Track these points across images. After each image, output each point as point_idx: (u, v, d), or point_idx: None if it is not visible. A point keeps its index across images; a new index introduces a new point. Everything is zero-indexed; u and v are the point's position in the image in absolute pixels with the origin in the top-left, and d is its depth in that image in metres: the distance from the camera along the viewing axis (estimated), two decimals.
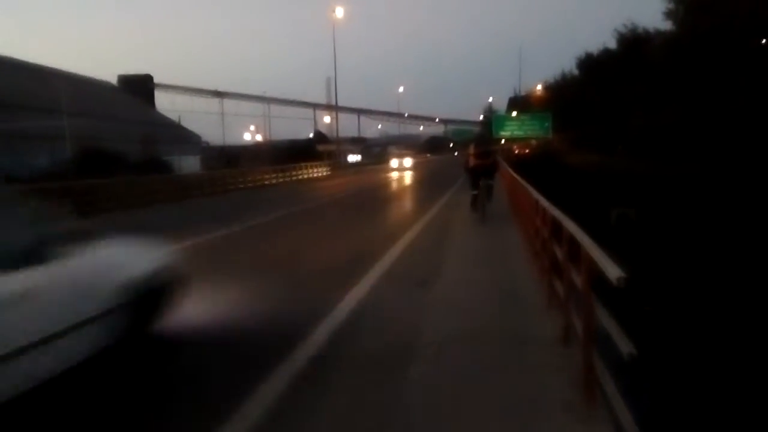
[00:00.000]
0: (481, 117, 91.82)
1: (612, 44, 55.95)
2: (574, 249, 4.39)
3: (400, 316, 6.40)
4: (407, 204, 23.12)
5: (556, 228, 5.70)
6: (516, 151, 62.82)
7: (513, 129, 52.30)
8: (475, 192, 15.18)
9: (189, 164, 56.34)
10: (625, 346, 2.75)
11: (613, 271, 2.85)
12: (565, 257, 4.85)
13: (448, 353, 5.12)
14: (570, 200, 8.38)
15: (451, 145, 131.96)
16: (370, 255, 9.97)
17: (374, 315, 6.49)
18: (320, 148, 67.39)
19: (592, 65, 59.02)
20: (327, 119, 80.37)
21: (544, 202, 6.87)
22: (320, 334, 5.67)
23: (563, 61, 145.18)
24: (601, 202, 22.25)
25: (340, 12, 53.99)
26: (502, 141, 61.82)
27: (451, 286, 7.81)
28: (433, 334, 5.66)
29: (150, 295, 5.44)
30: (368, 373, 4.75)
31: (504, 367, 4.72)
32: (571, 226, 4.63)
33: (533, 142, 60.30)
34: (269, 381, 4.56)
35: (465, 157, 17.32)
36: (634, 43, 50.02)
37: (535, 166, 36.24)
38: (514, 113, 58.62)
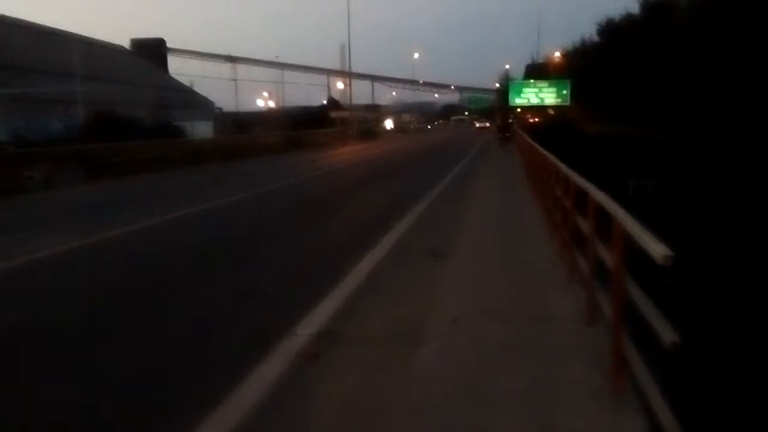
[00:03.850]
0: (497, 85, 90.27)
1: (635, 9, 54.47)
2: (603, 222, 4.07)
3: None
4: None
5: (580, 198, 5.35)
6: (530, 120, 61.80)
7: (530, 96, 51.29)
8: (500, 136, 37.74)
9: (201, 130, 56.02)
10: (667, 334, 2.42)
11: (657, 249, 2.50)
12: (592, 230, 4.49)
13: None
14: (586, 170, 8.04)
15: (466, 113, 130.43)
16: None
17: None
18: (333, 114, 66.55)
19: (613, 31, 57.56)
20: (340, 85, 79.47)
21: (566, 170, 6.47)
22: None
23: (583, 27, 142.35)
24: (618, 173, 21.71)
25: None
26: (518, 110, 60.91)
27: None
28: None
29: None
30: None
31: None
32: (600, 196, 4.25)
33: (550, 110, 59.22)
34: None
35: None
36: (659, 8, 48.59)
37: (552, 134, 35.60)
38: (531, 81, 57.45)
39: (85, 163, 22.66)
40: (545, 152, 10.32)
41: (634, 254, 3.27)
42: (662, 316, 2.60)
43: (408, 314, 5.36)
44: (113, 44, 73.27)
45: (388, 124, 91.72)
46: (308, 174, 22.64)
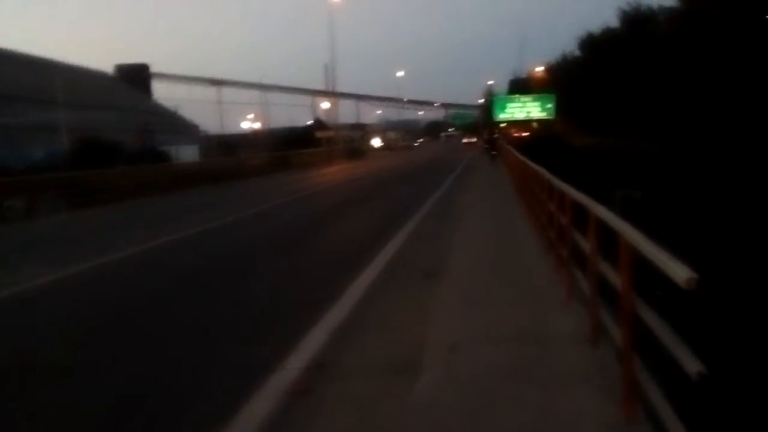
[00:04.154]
0: (481, 101, 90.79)
1: (614, 23, 55.03)
2: (605, 238, 3.89)
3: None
4: None
5: (577, 213, 5.18)
6: (515, 134, 61.97)
7: (514, 111, 51.49)
8: (488, 148, 39.19)
9: (187, 154, 55.73)
10: (692, 365, 2.22)
11: (678, 271, 2.31)
12: (594, 248, 4.31)
13: None
14: (573, 182, 7.89)
15: (450, 129, 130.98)
16: None
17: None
18: (319, 134, 66.45)
19: (593, 45, 58.10)
20: (325, 105, 79.58)
21: (561, 185, 6.31)
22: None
23: (564, 43, 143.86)
24: (604, 184, 21.65)
25: None
26: (503, 125, 61.09)
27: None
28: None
29: None
30: None
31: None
32: (602, 212, 4.07)
33: (534, 124, 59.46)
34: None
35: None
36: (638, 22, 49.10)
37: (537, 147, 35.66)
38: (516, 96, 57.71)
39: (69, 190, 22.25)
40: (536, 167, 10.19)
41: (641, 269, 3.10)
42: (684, 344, 2.40)
43: (403, 341, 5.12)
44: (97, 71, 73.10)
45: (376, 142, 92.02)
46: (295, 195, 22.44)
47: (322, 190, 25.09)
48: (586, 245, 4.59)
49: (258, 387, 4.33)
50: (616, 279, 3.47)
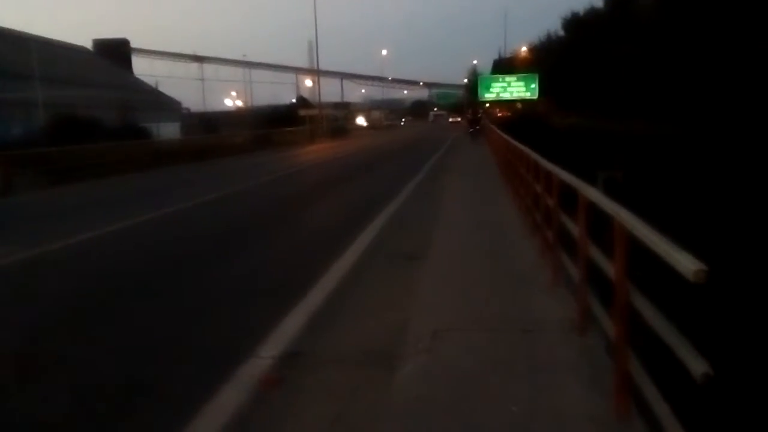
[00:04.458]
0: (465, 80, 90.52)
1: (599, 3, 54.81)
2: (594, 221, 3.70)
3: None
4: None
5: (564, 195, 4.98)
6: (499, 114, 61.81)
7: (499, 91, 51.31)
8: (471, 131, 39.35)
9: (168, 131, 55.05)
10: (697, 365, 2.04)
11: (684, 261, 2.11)
12: (583, 232, 4.11)
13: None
14: (555, 162, 7.70)
15: (435, 109, 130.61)
16: None
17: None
18: (302, 112, 65.79)
19: (578, 25, 57.84)
20: (308, 83, 78.75)
21: (548, 165, 6.10)
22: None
23: (549, 23, 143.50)
24: (587, 165, 21.55)
25: None
26: (487, 105, 60.95)
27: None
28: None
29: None
30: None
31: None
32: (593, 194, 3.86)
33: (518, 105, 59.27)
34: None
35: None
36: (622, 1, 48.88)
37: (520, 128, 35.56)
38: (500, 76, 57.43)
39: (46, 167, 21.89)
40: (521, 147, 9.99)
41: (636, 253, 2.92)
42: (686, 342, 2.21)
43: (383, 328, 4.90)
44: (75, 45, 71.52)
45: (360, 120, 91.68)
46: (276, 174, 22.07)
47: (303, 169, 24.74)
48: (575, 229, 4.40)
49: (228, 378, 4.11)
50: (607, 266, 3.28)
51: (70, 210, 15.22)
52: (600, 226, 3.78)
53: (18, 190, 19.29)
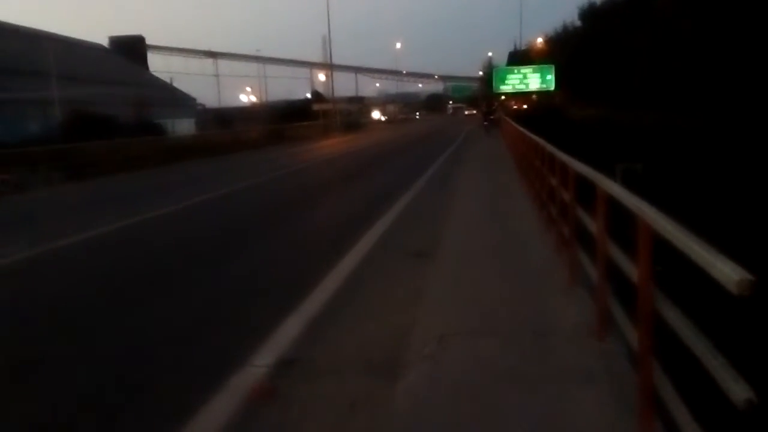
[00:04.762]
0: (480, 73, 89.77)
1: None
2: (614, 217, 3.38)
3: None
4: None
5: (582, 189, 4.65)
6: (514, 107, 61.11)
7: (514, 83, 50.72)
8: (485, 123, 41.55)
9: (183, 127, 55.25)
10: (738, 390, 1.73)
11: (727, 271, 1.77)
12: (602, 230, 3.79)
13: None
14: (573, 154, 7.38)
15: (450, 102, 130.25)
16: None
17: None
18: (316, 107, 65.68)
19: (595, 15, 57.04)
20: (322, 77, 78.50)
21: (564, 157, 5.76)
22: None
23: (565, 13, 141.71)
24: (606, 157, 21.17)
25: None
26: (503, 97, 60.34)
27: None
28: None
29: None
30: None
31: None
32: (615, 188, 3.49)
33: (534, 97, 58.59)
34: None
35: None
36: None
37: (537, 120, 35.13)
38: (515, 67, 56.79)
39: (63, 163, 22.13)
40: (535, 137, 9.65)
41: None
42: (725, 362, 1.90)
43: (387, 332, 4.60)
44: (91, 43, 71.92)
45: (376, 114, 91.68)
46: (287, 169, 21.90)
47: (313, 165, 24.42)
48: (593, 225, 4.07)
49: (217, 389, 3.81)
50: (630, 267, 2.96)
51: (79, 207, 15.17)
52: (621, 221, 3.48)
53: (32, 187, 19.35)
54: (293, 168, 22.42)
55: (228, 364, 4.16)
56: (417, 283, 5.86)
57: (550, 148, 7.07)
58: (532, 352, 3.96)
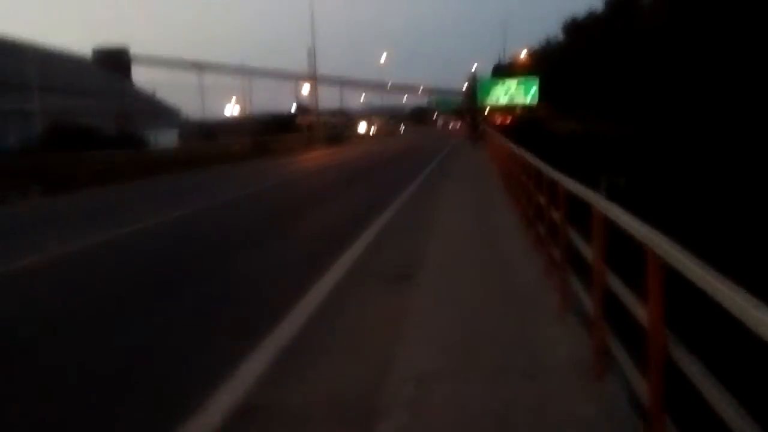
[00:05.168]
0: (465, 85, 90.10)
1: (598, 6, 54.36)
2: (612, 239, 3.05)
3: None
4: None
5: (573, 208, 4.33)
6: (498, 121, 61.06)
7: (499, 95, 50.82)
8: (469, 134, 43.99)
9: (166, 139, 54.73)
10: None
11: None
12: (600, 256, 3.43)
13: None
14: (557, 168, 7.14)
15: (435, 115, 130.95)
16: None
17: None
18: (299, 120, 65.49)
19: (577, 29, 57.39)
20: (306, 90, 78.33)
21: (553, 173, 5.42)
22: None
23: (549, 28, 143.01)
24: (589, 170, 21.07)
25: None
26: (487, 111, 60.41)
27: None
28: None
29: None
30: None
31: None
32: (614, 210, 3.10)
33: (518, 110, 58.72)
34: None
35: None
36: (622, 5, 48.44)
37: (520, 133, 35.06)
38: (500, 79, 56.89)
39: (39, 177, 21.56)
40: (521, 152, 9.36)
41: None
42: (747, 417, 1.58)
43: (361, 372, 4.17)
44: (74, 54, 71.31)
45: (362, 127, 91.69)
46: (263, 184, 21.25)
47: (295, 179, 23.88)
48: (587, 250, 3.73)
49: None
50: (633, 303, 2.62)
51: (47, 223, 14.58)
52: (618, 244, 3.16)
53: (8, 200, 18.85)
54: (276, 181, 21.96)
55: (179, 411, 3.65)
56: (396, 312, 5.41)
57: (538, 163, 6.75)
58: (522, 397, 3.55)
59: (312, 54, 56.76)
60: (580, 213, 4.47)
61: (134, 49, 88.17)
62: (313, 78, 62.08)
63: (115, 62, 77.81)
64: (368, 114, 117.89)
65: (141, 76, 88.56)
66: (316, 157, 37.21)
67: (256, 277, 7.52)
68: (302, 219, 12.58)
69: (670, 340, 2.22)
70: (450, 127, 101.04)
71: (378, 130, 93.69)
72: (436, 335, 4.81)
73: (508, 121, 58.64)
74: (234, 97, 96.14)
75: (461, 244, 8.59)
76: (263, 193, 18.73)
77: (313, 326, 5.21)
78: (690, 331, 2.30)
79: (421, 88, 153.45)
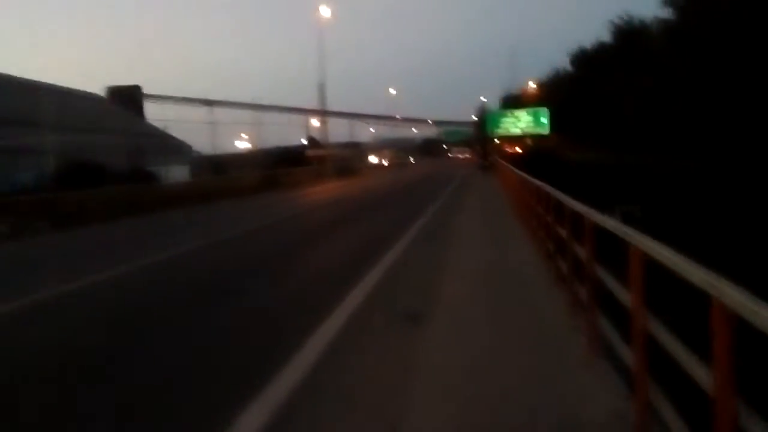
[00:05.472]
0: (474, 117, 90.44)
1: (606, 38, 54.48)
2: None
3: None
4: None
5: (604, 244, 4.05)
6: (509, 151, 60.90)
7: (508, 126, 50.74)
8: (480, 164, 48.68)
9: (177, 174, 54.96)
10: None
11: None
12: (640, 302, 3.00)
13: None
14: (574, 198, 6.88)
15: (444, 146, 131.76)
16: None
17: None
18: (309, 153, 65.70)
19: (586, 60, 57.48)
20: (315, 123, 78.77)
21: (576, 205, 5.09)
22: None
23: (557, 60, 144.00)
24: (603, 200, 20.85)
25: (326, 12, 52.95)
26: (497, 141, 60.44)
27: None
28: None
29: None
30: None
31: None
32: (658, 249, 2.71)
33: (528, 140, 58.61)
34: None
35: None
36: (630, 35, 48.50)
37: (532, 164, 34.92)
38: (509, 111, 56.92)
39: (52, 212, 21.84)
40: (536, 181, 9.09)
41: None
42: None
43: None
44: (88, 93, 72.19)
45: (373, 159, 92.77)
46: (273, 218, 20.97)
47: (304, 211, 23.61)
48: (625, 294, 3.28)
49: None
50: (688, 358, 2.26)
51: (51, 260, 14.45)
52: (655, 279, 2.87)
53: (20, 235, 18.95)
54: (284, 216, 21.69)
55: None
56: (404, 363, 4.94)
57: (558, 194, 6.44)
58: None
59: (322, 89, 57.12)
60: (606, 247, 4.19)
61: (147, 88, 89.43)
62: (324, 112, 62.48)
63: (128, 100, 78.78)
64: (379, 146, 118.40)
65: (153, 114, 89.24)
66: (326, 189, 37.07)
67: (262, 315, 7.20)
68: (309, 250, 12.30)
69: (741, 410, 1.86)
70: (461, 157, 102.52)
71: (389, 162, 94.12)
72: (449, 388, 4.35)
73: (519, 151, 58.61)
74: (245, 133, 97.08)
75: (476, 280, 8.19)
76: (272, 227, 18.45)
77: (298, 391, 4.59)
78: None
79: (431, 120, 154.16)
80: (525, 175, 12.30)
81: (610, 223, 3.80)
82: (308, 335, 5.81)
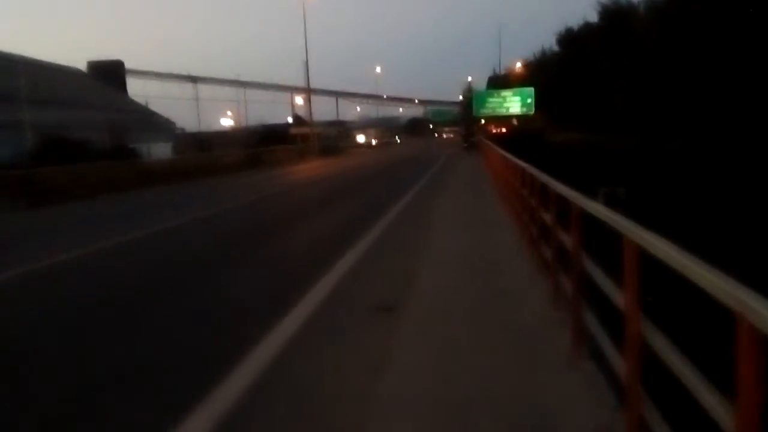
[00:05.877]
0: (461, 97, 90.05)
1: (594, 18, 54.14)
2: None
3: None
4: None
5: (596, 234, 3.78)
6: (494, 131, 60.73)
7: (495, 106, 50.56)
8: (465, 144, 48.24)
9: (160, 151, 54.36)
10: None
11: None
12: (634, 305, 2.61)
13: None
14: (556, 179, 6.63)
15: (431, 126, 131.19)
16: None
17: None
18: (293, 131, 65.09)
19: (573, 40, 57.16)
20: (299, 101, 77.92)
21: (564, 190, 4.73)
22: None
23: (544, 39, 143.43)
24: (587, 182, 20.74)
25: None
26: (482, 121, 60.31)
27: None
28: None
29: None
30: None
31: None
32: (663, 246, 2.30)
33: (514, 121, 58.42)
34: None
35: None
36: (617, 16, 48.20)
37: (517, 144, 34.75)
38: (495, 90, 56.63)
39: (28, 188, 21.46)
40: (521, 163, 8.78)
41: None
42: None
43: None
44: (69, 67, 70.84)
45: (360, 138, 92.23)
46: (254, 196, 20.62)
47: (283, 191, 23.07)
48: (615, 293, 2.94)
49: None
50: (700, 383, 1.92)
51: (29, 235, 14.29)
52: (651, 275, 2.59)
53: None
54: (261, 195, 21.18)
55: None
56: (378, 350, 4.63)
57: (542, 176, 6.11)
58: None
59: (306, 65, 56.46)
60: (595, 235, 3.95)
61: (130, 63, 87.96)
62: (310, 89, 61.83)
63: (110, 75, 77.44)
64: (364, 125, 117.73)
65: (136, 90, 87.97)
66: (308, 168, 36.73)
67: (228, 301, 6.83)
68: (280, 237, 11.73)
69: None
70: (445, 136, 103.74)
71: (374, 141, 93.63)
72: (418, 391, 3.95)
73: (504, 131, 58.43)
74: (230, 110, 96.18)
75: (455, 266, 7.83)
76: (248, 207, 18.00)
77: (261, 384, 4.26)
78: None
79: (417, 99, 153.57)
80: (508, 155, 11.97)
81: (601, 210, 3.47)
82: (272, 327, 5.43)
